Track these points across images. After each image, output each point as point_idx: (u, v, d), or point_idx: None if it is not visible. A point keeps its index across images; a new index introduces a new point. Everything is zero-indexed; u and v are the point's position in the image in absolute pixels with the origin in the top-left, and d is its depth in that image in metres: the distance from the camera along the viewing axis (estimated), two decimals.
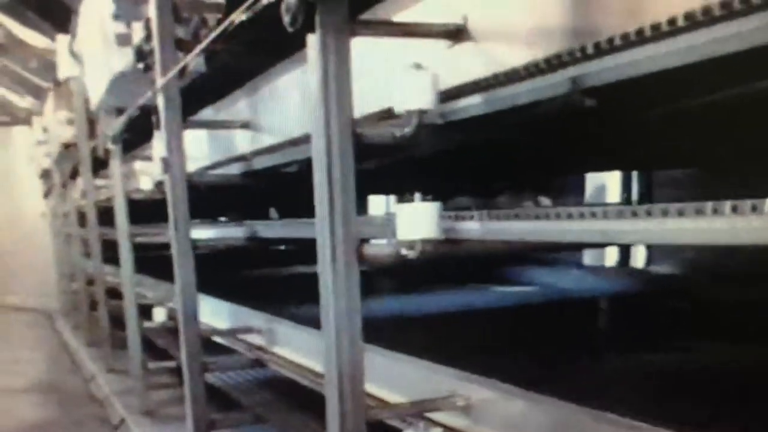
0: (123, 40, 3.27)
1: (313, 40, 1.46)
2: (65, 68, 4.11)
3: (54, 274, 9.36)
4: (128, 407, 4.05)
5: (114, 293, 5.68)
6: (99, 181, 5.79)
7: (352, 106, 1.47)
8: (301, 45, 1.51)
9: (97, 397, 4.78)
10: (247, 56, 2.78)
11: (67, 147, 6.18)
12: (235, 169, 2.97)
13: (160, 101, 2.68)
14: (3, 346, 7.24)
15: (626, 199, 6.07)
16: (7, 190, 9.96)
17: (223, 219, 4.59)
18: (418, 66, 1.45)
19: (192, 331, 2.82)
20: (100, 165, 5.31)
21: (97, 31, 3.46)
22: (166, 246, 2.96)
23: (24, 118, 9.17)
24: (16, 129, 9.55)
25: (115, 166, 3.93)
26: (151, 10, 2.71)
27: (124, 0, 3.31)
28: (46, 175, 8.28)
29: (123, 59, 3.28)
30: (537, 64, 1.29)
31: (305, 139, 2.05)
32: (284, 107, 2.58)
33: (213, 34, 2.05)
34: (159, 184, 3.35)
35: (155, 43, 2.67)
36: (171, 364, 3.98)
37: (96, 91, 3.61)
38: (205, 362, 2.83)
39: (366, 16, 1.74)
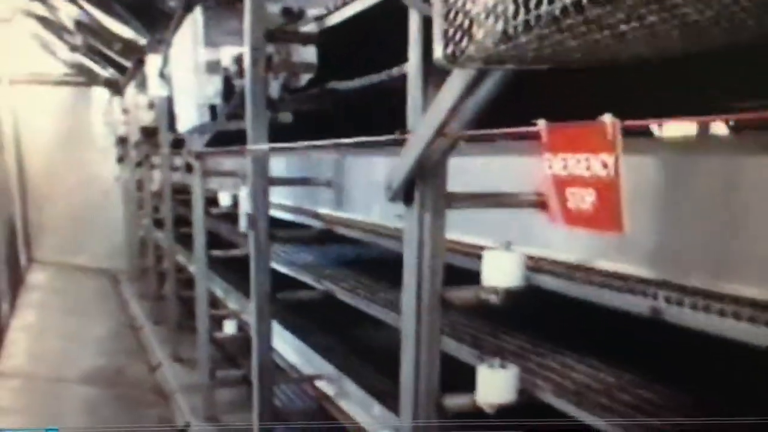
0: (213, 68, 3.39)
1: (409, 212, 1.55)
2: (155, 88, 4.26)
3: (122, 237, 9.65)
4: (193, 410, 4.26)
5: (181, 271, 5.94)
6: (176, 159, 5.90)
7: (442, 273, 1.57)
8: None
9: (162, 389, 4.97)
10: (335, 120, 2.89)
11: (146, 130, 6.38)
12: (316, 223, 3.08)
13: (249, 165, 2.81)
14: (66, 316, 7.40)
15: None
16: (85, 151, 10.22)
17: None
18: (507, 245, 1.53)
19: (265, 370, 2.98)
20: (176, 145, 5.43)
21: (189, 59, 3.58)
22: None
23: (102, 81, 9.36)
24: (94, 90, 9.75)
25: (196, 182, 4.09)
26: (246, 79, 2.83)
27: (215, 29, 3.42)
28: (121, 141, 8.52)
29: (212, 87, 3.41)
30: (622, 278, 1.37)
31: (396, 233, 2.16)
32: (369, 178, 2.67)
33: (304, 144, 2.16)
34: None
35: (247, 108, 2.78)
36: (238, 373, 4.19)
37: (184, 116, 3.75)
38: (275, 409, 3.00)
39: None
